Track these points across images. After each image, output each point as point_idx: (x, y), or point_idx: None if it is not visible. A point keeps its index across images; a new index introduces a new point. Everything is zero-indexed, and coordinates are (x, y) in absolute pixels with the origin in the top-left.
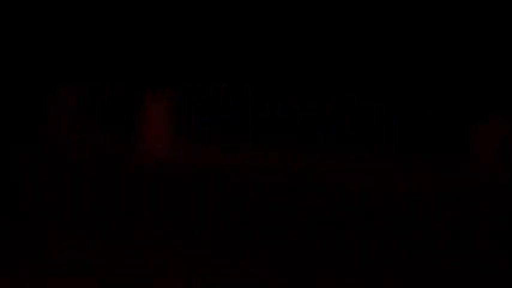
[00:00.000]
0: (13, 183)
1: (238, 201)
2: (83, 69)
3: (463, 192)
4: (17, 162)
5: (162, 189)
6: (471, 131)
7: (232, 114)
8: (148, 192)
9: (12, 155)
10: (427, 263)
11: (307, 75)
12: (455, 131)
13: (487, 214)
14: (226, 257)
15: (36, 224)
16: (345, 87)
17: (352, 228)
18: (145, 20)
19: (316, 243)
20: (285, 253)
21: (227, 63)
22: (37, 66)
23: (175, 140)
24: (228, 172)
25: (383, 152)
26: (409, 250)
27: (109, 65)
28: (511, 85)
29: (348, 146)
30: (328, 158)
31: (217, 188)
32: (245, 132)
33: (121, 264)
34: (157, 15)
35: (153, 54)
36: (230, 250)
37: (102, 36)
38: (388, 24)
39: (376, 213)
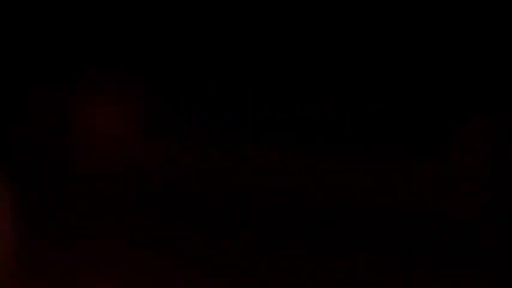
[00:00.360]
0: None
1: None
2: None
3: (462, 191)
4: None
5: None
6: (453, 130)
7: (223, 113)
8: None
9: None
10: (427, 262)
11: (307, 75)
12: (453, 131)
13: (485, 214)
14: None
15: None
16: (345, 87)
17: (351, 228)
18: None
19: (314, 240)
20: (282, 254)
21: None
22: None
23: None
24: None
25: (383, 152)
26: (408, 250)
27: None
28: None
29: (348, 146)
30: (328, 158)
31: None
32: (237, 132)
33: None
34: None
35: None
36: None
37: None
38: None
39: (376, 213)
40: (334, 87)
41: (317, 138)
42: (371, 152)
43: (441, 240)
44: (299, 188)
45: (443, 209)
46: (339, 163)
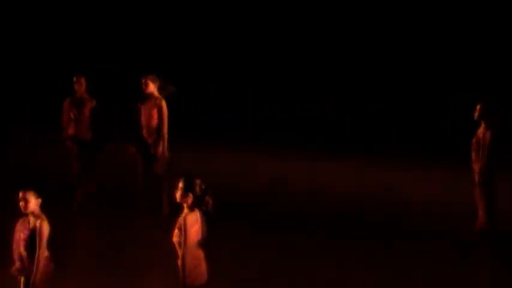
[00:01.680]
0: None
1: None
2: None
3: (462, 191)
4: None
5: None
6: None
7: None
8: None
9: None
10: (426, 261)
11: (307, 75)
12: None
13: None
14: None
15: None
16: (345, 87)
17: (351, 228)
18: None
19: (312, 239)
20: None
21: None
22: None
23: None
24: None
25: (383, 151)
26: (407, 249)
27: None
28: None
29: (348, 146)
30: (328, 158)
31: None
32: (233, 132)
33: None
34: None
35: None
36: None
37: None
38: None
39: (375, 213)
40: (334, 87)
41: (317, 138)
42: (371, 152)
43: (441, 238)
44: (297, 187)
45: (444, 207)
46: (338, 163)
